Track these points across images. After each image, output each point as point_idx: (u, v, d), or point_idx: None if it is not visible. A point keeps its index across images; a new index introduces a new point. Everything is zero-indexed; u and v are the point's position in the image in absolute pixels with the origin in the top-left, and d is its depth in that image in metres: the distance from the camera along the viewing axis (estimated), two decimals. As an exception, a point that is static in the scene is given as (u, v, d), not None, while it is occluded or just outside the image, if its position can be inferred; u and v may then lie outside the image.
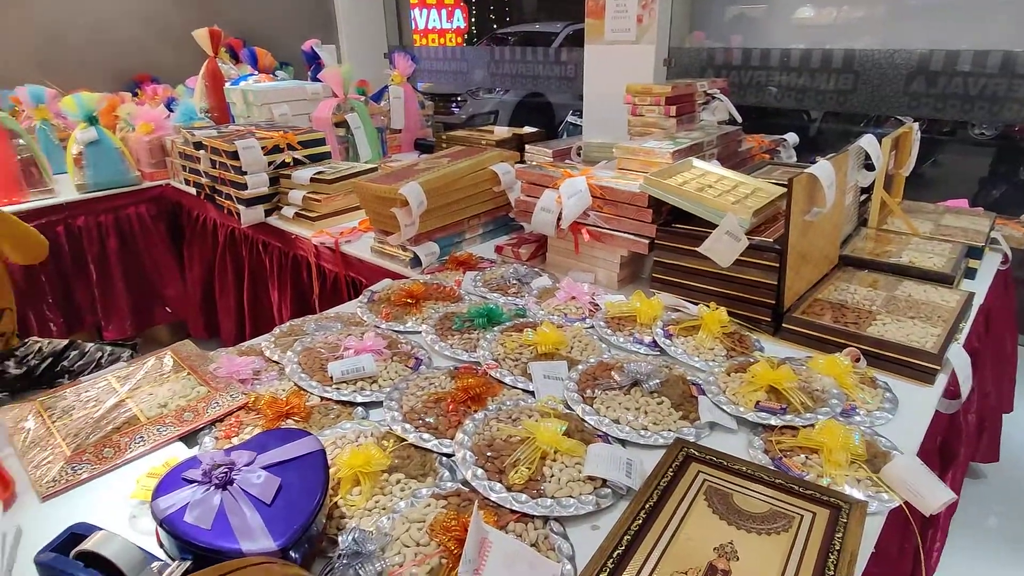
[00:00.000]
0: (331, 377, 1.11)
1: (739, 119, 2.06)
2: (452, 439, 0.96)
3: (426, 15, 8.52)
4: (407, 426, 0.99)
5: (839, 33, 2.60)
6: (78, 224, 2.50)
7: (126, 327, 2.67)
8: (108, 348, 1.75)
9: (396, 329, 1.34)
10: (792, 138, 2.28)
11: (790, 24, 2.74)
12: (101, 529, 0.69)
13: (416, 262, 1.66)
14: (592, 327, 1.32)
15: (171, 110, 3.00)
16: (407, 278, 1.62)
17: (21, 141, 2.46)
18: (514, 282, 1.53)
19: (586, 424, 0.99)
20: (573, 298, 1.41)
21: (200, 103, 3.10)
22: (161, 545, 0.73)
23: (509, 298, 1.46)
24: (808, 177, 1.25)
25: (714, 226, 1.28)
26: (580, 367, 1.14)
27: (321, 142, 2.27)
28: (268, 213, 2.17)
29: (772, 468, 0.88)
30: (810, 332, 1.23)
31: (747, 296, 1.31)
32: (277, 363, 1.21)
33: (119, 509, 0.85)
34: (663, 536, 0.75)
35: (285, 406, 1.03)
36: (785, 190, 1.24)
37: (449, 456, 0.94)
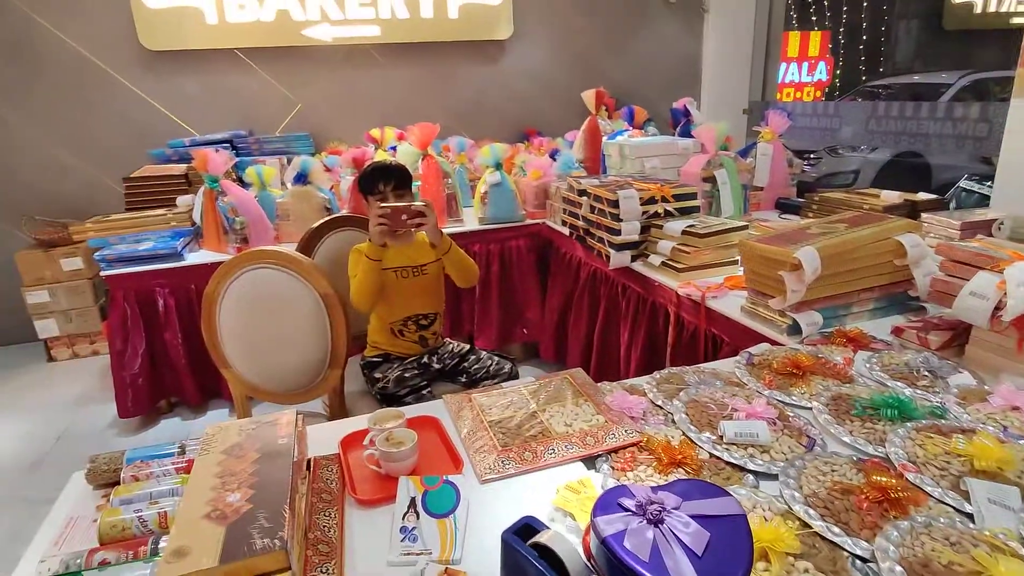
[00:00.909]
0: (721, 436, 1.10)
1: None
2: (866, 541, 0.86)
3: (785, 69, 8.20)
4: (810, 511, 0.92)
5: None
6: (474, 249, 3.04)
7: (492, 340, 3.13)
8: (496, 358, 2.06)
9: (780, 399, 1.27)
10: None
11: None
12: (548, 528, 0.79)
13: (795, 329, 1.56)
14: (1050, 451, 1.05)
15: (553, 159, 3.45)
16: (783, 345, 1.53)
17: (449, 180, 3.12)
18: (925, 374, 1.31)
19: (1060, 579, 0.79)
20: (1015, 408, 1.15)
21: (577, 154, 3.51)
22: (590, 557, 0.81)
23: (919, 391, 1.26)
24: None
25: None
26: (1041, 501, 0.91)
27: (692, 196, 2.33)
28: (634, 259, 2.30)
29: None
30: None
31: None
32: (660, 407, 1.25)
33: (540, 509, 0.97)
34: None
35: (678, 454, 1.05)
36: None
37: (864, 560, 0.84)
